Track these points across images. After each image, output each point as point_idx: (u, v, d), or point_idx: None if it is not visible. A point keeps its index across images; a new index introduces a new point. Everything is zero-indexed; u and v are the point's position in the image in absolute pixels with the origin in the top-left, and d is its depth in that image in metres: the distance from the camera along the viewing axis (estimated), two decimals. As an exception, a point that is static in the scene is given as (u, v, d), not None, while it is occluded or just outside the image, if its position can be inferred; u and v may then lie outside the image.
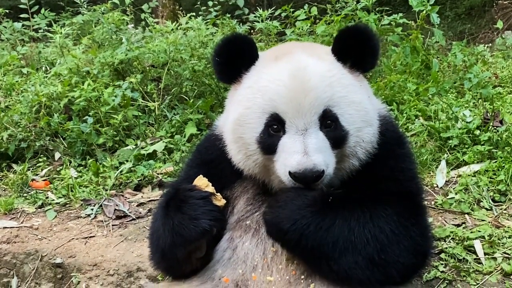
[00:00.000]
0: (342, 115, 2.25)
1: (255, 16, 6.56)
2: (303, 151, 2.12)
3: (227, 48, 2.41)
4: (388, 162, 2.36)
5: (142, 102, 5.33)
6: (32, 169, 4.90)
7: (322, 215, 2.13)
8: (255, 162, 2.30)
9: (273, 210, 2.20)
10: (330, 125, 2.23)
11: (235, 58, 2.40)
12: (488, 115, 4.52)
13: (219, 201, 2.31)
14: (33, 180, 4.65)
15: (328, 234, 2.09)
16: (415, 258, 2.19)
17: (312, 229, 2.10)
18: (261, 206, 2.37)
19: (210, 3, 7.01)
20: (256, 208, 2.38)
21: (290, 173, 2.12)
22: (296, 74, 2.24)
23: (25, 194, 4.46)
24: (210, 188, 2.32)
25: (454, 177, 3.97)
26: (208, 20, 6.62)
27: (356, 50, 2.35)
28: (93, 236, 3.78)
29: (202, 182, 2.34)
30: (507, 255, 3.06)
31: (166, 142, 4.84)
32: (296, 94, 2.19)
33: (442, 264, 3.03)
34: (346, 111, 2.26)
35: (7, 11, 7.88)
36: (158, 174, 4.49)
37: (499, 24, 7.62)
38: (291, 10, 6.44)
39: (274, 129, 2.23)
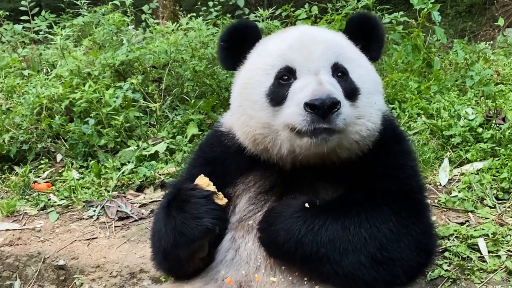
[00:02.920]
0: (352, 72, 2.30)
1: (255, 16, 6.54)
2: (317, 83, 2.11)
3: (231, 33, 2.49)
4: (387, 159, 2.36)
5: (143, 103, 5.33)
6: (34, 171, 4.90)
7: (312, 217, 2.13)
8: (258, 121, 2.25)
9: (266, 231, 2.20)
10: (341, 76, 2.26)
11: (239, 43, 2.47)
12: (491, 112, 4.51)
13: (221, 200, 2.31)
14: (35, 182, 4.66)
15: (322, 234, 2.09)
16: (418, 256, 2.18)
17: (304, 232, 2.09)
18: (263, 206, 2.36)
19: (211, 4, 7.01)
20: (258, 208, 2.37)
21: (306, 104, 2.04)
22: (305, 33, 2.36)
23: (27, 196, 4.45)
24: (212, 187, 2.31)
25: (457, 175, 3.96)
26: (209, 21, 6.62)
27: (364, 36, 2.45)
28: (96, 238, 3.78)
29: (203, 182, 2.34)
30: (511, 253, 3.05)
31: (167, 143, 4.83)
32: (307, 44, 2.26)
33: (446, 262, 3.02)
34: (356, 70, 2.32)
35: (8, 13, 7.87)
36: (160, 175, 4.49)
37: (500, 22, 7.60)
38: (292, 9, 6.43)
39: (284, 79, 2.24)
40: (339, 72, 2.26)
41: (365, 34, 2.47)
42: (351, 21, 2.54)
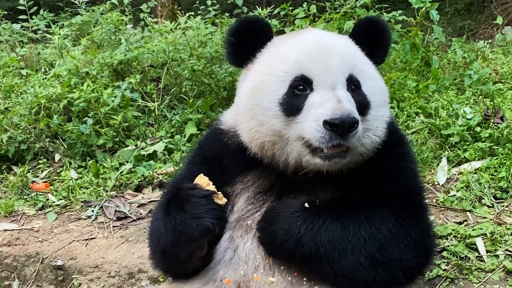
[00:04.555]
0: (364, 85, 2.30)
1: (254, 15, 6.52)
2: (337, 100, 2.10)
3: (242, 29, 2.43)
4: (388, 162, 2.36)
5: (141, 103, 5.32)
6: (32, 171, 4.89)
7: (312, 216, 2.13)
8: (269, 129, 2.23)
9: (265, 230, 2.20)
10: (354, 90, 2.26)
11: (249, 40, 2.41)
12: (489, 111, 4.51)
13: (221, 200, 2.30)
14: (33, 182, 4.65)
15: (321, 233, 2.08)
16: (417, 257, 2.18)
17: (304, 231, 2.09)
18: (262, 206, 2.36)
19: (209, 2, 6.99)
20: (257, 208, 2.37)
21: (325, 122, 2.05)
22: (320, 40, 2.32)
23: (25, 196, 4.45)
24: (211, 187, 2.31)
25: (455, 175, 3.97)
26: (207, 20, 6.61)
27: (371, 41, 2.44)
28: (94, 238, 3.78)
29: (203, 181, 2.33)
30: (509, 253, 3.06)
31: (166, 143, 4.83)
32: (324, 55, 2.23)
33: (444, 262, 3.03)
34: (367, 83, 2.32)
35: (6, 12, 7.85)
36: (158, 174, 4.49)
37: (499, 20, 7.58)
38: (290, 8, 6.42)
39: (299, 89, 2.21)
40: (353, 85, 2.26)
41: (372, 38, 2.46)
42: (359, 25, 2.53)
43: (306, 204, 2.17)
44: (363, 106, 2.25)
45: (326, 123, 2.05)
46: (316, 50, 2.26)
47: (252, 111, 2.29)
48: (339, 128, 2.04)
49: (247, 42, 2.42)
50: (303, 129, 2.14)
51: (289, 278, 2.20)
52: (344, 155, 2.15)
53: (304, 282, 2.18)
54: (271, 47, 2.42)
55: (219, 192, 2.33)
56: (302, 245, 2.08)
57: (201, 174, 2.37)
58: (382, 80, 2.46)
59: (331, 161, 2.13)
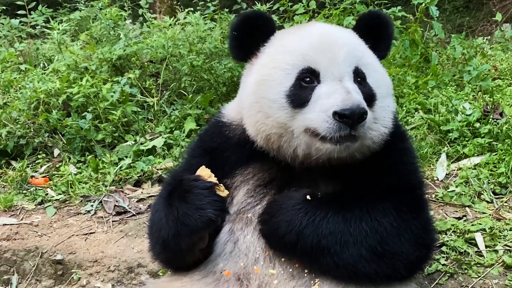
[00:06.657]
0: (369, 77, 2.31)
1: (255, 10, 6.51)
2: (345, 91, 2.10)
3: (244, 23, 2.42)
4: (390, 156, 2.36)
5: (141, 98, 5.32)
6: (31, 166, 4.89)
7: (314, 209, 2.13)
8: (275, 121, 2.22)
9: (267, 222, 2.20)
10: (360, 82, 2.26)
11: (252, 34, 2.40)
12: (488, 107, 4.51)
13: (222, 192, 2.29)
14: (32, 176, 4.65)
15: (323, 226, 2.09)
16: (418, 251, 2.18)
17: (305, 223, 2.10)
18: (263, 199, 2.35)
19: (208, -2, 6.99)
20: (257, 201, 2.36)
21: (335, 113, 2.04)
22: (326, 33, 2.33)
23: (24, 191, 4.45)
24: (213, 179, 2.29)
25: (454, 170, 3.97)
26: (206, 15, 6.60)
27: (374, 35, 2.45)
28: (93, 232, 3.78)
29: (205, 173, 2.32)
30: (508, 248, 3.07)
31: (165, 138, 4.83)
32: (331, 47, 2.23)
33: (443, 257, 3.04)
34: (372, 75, 2.33)
35: (4, 7, 7.84)
36: (157, 169, 4.49)
37: (498, 17, 7.57)
38: (290, 4, 6.40)
39: (306, 81, 2.21)
40: (359, 77, 2.26)
41: (375, 32, 2.46)
42: (361, 19, 2.54)
43: (308, 197, 2.17)
44: (369, 97, 2.25)
45: (336, 114, 2.04)
46: (322, 42, 2.26)
47: (258, 103, 2.27)
48: (350, 119, 2.03)
49: (250, 36, 2.41)
50: (310, 120, 2.14)
51: (290, 270, 2.19)
52: (355, 139, 2.13)
53: (305, 274, 2.18)
54: (275, 41, 2.42)
55: (221, 184, 2.32)
56: (304, 237, 2.09)
57: (203, 166, 2.36)
58: (386, 73, 2.47)
59: (342, 144, 2.11)
